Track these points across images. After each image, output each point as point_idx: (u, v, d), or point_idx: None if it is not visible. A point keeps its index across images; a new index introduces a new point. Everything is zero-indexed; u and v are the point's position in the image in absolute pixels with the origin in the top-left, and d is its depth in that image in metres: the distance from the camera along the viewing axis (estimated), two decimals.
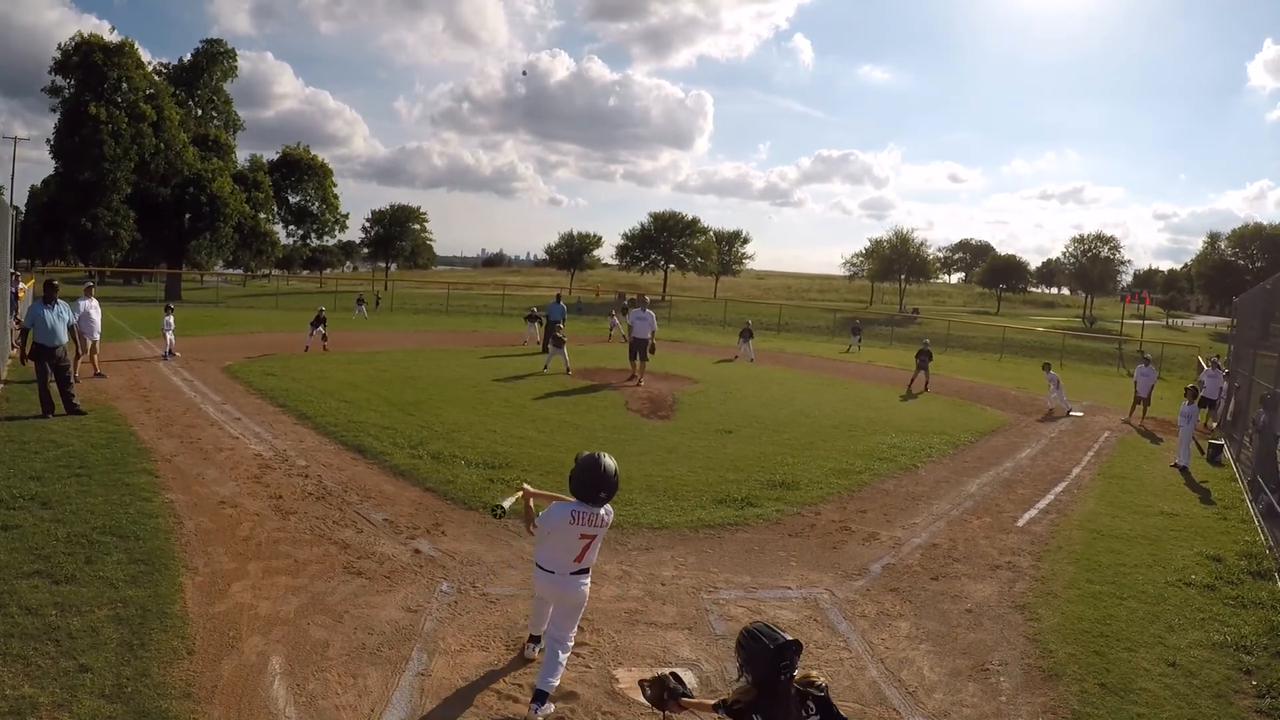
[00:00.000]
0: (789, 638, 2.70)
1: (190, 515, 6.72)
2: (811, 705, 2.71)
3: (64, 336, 10.28)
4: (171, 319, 17.04)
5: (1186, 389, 13.13)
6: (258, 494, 7.54)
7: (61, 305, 10.35)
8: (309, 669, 4.46)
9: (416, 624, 5.10)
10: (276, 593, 5.40)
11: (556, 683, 4.23)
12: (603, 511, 4.17)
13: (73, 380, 10.47)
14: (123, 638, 4.54)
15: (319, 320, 20.08)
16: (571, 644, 4.41)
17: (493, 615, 5.31)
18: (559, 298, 20.73)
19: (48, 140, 41.41)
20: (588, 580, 4.32)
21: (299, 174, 55.30)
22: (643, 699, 3.47)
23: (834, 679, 4.73)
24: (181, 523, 6.52)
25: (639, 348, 16.39)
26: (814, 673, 2.84)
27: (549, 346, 18.45)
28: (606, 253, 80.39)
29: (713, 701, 2.96)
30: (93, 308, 13.79)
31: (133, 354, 16.85)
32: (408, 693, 4.30)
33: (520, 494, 4.49)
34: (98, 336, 13.93)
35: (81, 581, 5.19)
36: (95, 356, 13.73)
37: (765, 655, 2.67)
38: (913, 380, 19.12)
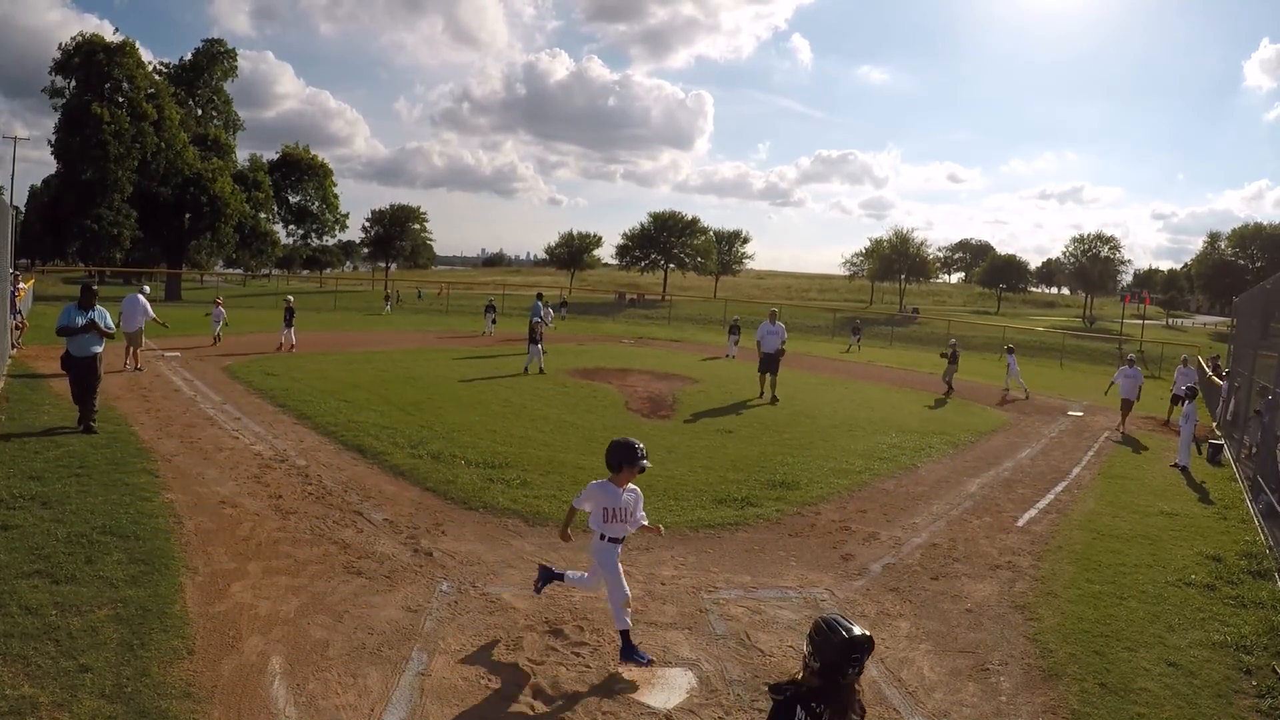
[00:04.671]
0: (864, 632, 2.64)
1: (190, 515, 6.72)
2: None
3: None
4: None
5: (1186, 389, 13.14)
6: (258, 494, 7.53)
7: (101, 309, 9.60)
8: (309, 669, 4.47)
9: (416, 624, 5.10)
10: (276, 593, 5.40)
11: None
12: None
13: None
14: (123, 638, 4.54)
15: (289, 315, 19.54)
16: None
17: (493, 615, 5.31)
18: (540, 296, 21.04)
19: (48, 140, 41.45)
20: None
21: (299, 174, 55.24)
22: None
23: None
24: (181, 523, 6.52)
25: (769, 364, 15.45)
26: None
27: (529, 346, 17.96)
28: (606, 252, 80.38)
29: (771, 683, 2.88)
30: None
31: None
32: (408, 693, 4.30)
33: None
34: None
35: (81, 581, 5.19)
36: (138, 351, 14.57)
37: (839, 645, 2.60)
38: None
